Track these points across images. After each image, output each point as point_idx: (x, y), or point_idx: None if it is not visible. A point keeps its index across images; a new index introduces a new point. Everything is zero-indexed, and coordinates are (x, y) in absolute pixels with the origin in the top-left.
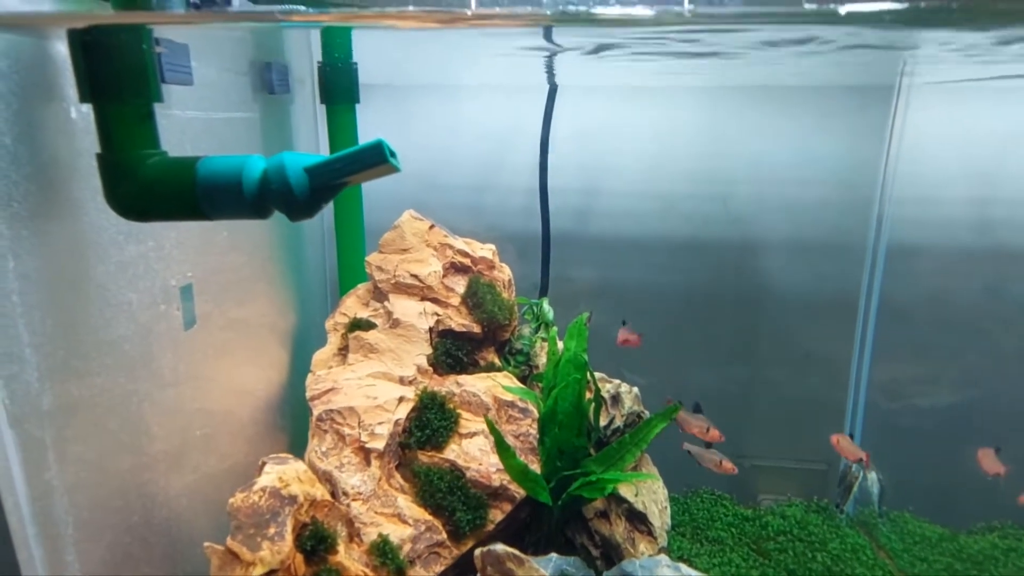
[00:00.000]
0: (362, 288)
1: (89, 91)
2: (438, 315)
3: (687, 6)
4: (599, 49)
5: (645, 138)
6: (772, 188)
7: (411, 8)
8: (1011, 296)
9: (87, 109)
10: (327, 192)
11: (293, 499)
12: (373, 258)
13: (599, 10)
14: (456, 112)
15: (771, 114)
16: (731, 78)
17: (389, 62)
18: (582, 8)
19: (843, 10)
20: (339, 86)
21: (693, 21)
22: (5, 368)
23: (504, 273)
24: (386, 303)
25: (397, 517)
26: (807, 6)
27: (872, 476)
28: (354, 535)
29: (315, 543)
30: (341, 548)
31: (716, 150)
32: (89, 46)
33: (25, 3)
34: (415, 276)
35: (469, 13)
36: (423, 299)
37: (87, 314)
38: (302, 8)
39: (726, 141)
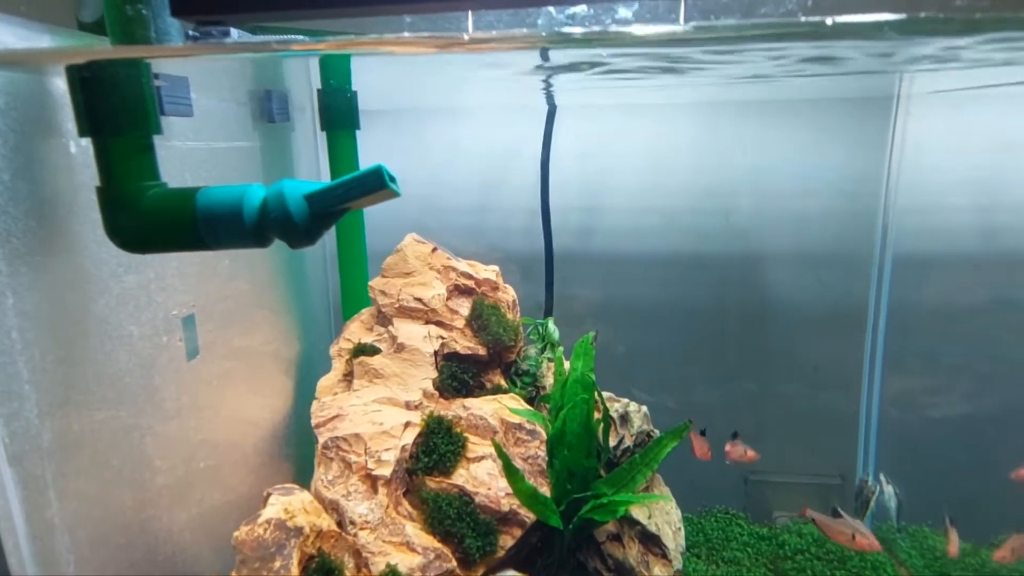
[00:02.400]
0: (366, 313)
1: (88, 125)
2: (443, 338)
3: (683, 24)
4: (599, 69)
5: (645, 154)
6: (775, 201)
7: (407, 34)
8: (1020, 302)
9: (86, 143)
10: (327, 219)
11: (299, 530)
12: (376, 282)
13: (594, 30)
14: (456, 135)
15: (771, 127)
16: (730, 93)
17: (388, 88)
18: (578, 28)
19: (830, 21)
20: (339, 113)
21: (688, 38)
22: (4, 406)
23: (508, 294)
24: (390, 327)
25: (406, 545)
26: (803, 19)
27: (889, 490)
28: (362, 566)
29: (322, 575)
30: None
31: (717, 164)
32: (88, 81)
33: (23, 40)
34: (419, 299)
35: (466, 37)
36: (427, 322)
37: (88, 348)
38: (300, 38)
39: (727, 155)
